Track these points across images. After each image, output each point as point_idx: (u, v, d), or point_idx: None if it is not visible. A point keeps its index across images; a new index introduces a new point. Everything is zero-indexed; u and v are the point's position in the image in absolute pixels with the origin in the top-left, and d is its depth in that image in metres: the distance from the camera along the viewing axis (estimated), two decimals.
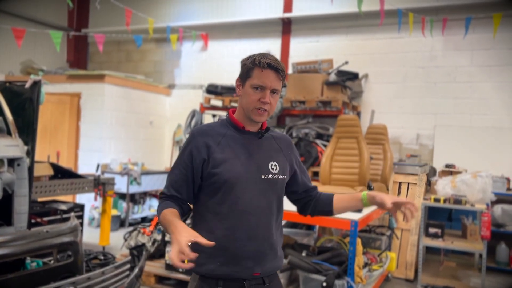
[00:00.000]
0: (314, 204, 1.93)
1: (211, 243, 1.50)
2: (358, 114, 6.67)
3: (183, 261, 1.45)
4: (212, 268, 1.71)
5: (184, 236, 1.49)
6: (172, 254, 1.46)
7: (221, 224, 1.70)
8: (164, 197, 1.78)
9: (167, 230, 1.63)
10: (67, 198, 6.44)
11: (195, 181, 1.76)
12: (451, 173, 5.57)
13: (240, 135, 1.78)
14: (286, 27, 7.36)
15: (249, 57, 1.75)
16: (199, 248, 1.70)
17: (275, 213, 1.80)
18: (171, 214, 1.67)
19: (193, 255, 1.46)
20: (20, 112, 3.29)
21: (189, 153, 1.74)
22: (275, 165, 1.79)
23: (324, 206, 1.91)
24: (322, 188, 4.17)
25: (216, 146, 1.72)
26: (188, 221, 3.93)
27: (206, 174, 1.72)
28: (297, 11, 7.25)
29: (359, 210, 3.76)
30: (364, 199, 1.81)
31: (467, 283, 4.84)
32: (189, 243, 1.47)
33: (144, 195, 7.48)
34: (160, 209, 1.73)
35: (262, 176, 1.75)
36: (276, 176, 1.78)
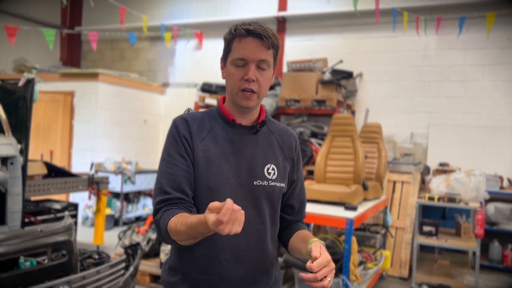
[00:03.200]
0: (281, 230, 1.58)
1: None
2: (353, 112, 6.68)
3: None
4: None
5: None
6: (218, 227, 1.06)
7: (202, 242, 1.30)
8: (164, 206, 1.35)
9: (196, 234, 1.19)
10: (61, 197, 6.41)
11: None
12: (445, 171, 5.60)
13: (230, 129, 1.44)
14: (280, 26, 7.35)
15: (229, 28, 1.40)
16: (177, 268, 1.45)
17: (269, 229, 1.47)
18: (185, 217, 1.23)
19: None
20: (13, 110, 3.26)
21: (179, 142, 1.40)
22: (272, 169, 1.45)
23: (286, 236, 1.56)
24: (317, 187, 4.19)
25: (199, 142, 1.40)
26: None
27: None
28: (292, 10, 7.25)
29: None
30: (307, 245, 1.34)
31: (461, 281, 4.87)
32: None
33: (138, 194, 7.46)
34: (163, 221, 1.29)
35: (255, 183, 1.42)
36: (273, 183, 1.44)
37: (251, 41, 1.34)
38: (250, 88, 1.35)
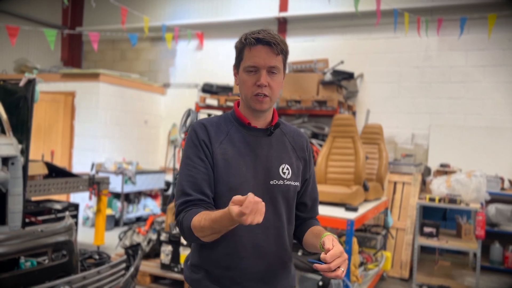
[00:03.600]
0: (295, 227, 1.66)
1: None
2: (354, 113, 6.68)
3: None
4: None
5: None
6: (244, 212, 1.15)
7: (223, 239, 1.41)
8: (186, 207, 1.43)
9: (220, 228, 1.28)
10: (61, 197, 6.41)
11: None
12: (446, 172, 5.60)
13: (245, 132, 1.52)
14: (281, 27, 7.35)
15: (240, 37, 1.51)
16: (199, 265, 1.51)
17: (285, 226, 1.54)
18: (208, 213, 1.32)
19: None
20: (14, 110, 3.26)
21: (199, 146, 1.48)
22: (287, 169, 1.53)
23: (300, 233, 1.64)
24: (318, 188, 4.18)
25: (217, 146, 1.49)
26: None
27: None
28: (293, 11, 7.25)
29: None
30: (321, 238, 1.42)
31: (462, 282, 4.87)
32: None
33: (139, 194, 7.46)
34: (186, 220, 1.38)
35: (271, 182, 1.50)
36: (288, 182, 1.52)
37: (261, 49, 1.44)
38: (262, 92, 1.44)
